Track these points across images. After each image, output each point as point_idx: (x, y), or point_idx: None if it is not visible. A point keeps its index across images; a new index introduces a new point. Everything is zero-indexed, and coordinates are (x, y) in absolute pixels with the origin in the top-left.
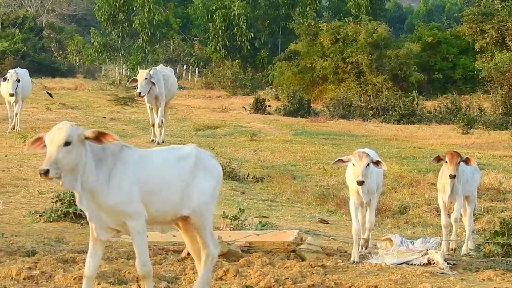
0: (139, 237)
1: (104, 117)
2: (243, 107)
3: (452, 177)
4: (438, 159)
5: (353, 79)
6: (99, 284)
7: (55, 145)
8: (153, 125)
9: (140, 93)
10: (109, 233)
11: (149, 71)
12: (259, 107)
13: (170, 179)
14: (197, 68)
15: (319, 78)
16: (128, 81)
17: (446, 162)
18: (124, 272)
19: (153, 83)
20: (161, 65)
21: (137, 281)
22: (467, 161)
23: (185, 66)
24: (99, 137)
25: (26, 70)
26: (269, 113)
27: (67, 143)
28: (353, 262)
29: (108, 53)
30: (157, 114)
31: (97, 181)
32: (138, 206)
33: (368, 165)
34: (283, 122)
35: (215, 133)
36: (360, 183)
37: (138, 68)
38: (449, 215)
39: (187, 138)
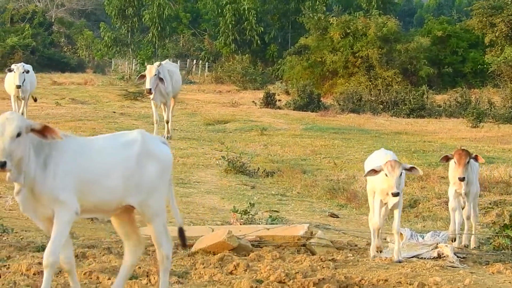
0: (62, 227)
1: (114, 112)
2: (253, 101)
3: (462, 179)
4: (447, 158)
5: (363, 73)
6: (109, 279)
7: (8, 136)
8: (157, 121)
9: (150, 89)
10: (47, 224)
11: (158, 66)
12: (269, 101)
13: (111, 166)
14: (207, 63)
15: (329, 72)
16: (137, 76)
17: (455, 163)
18: (135, 267)
19: (161, 79)
20: (166, 60)
21: (147, 276)
22: (476, 158)
23: (195, 60)
24: (44, 131)
25: (30, 66)
26: (279, 108)
27: (18, 134)
28: (373, 257)
29: (118, 48)
30: (165, 111)
31: (36, 170)
32: (70, 196)
33: (401, 174)
34: (293, 117)
35: (225, 128)
36: (396, 194)
37: (146, 64)
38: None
39: (197, 133)
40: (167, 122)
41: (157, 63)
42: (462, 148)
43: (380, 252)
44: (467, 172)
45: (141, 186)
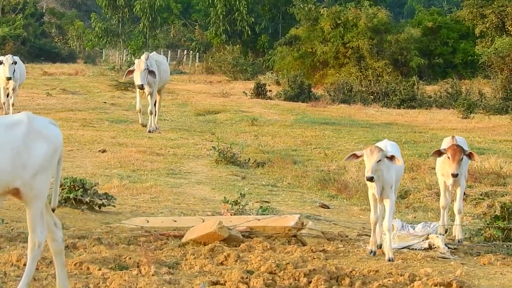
0: None
1: (105, 102)
2: (243, 92)
3: (455, 175)
4: (439, 153)
5: (354, 64)
6: (99, 269)
7: None
8: (140, 111)
9: (142, 85)
10: None
11: (146, 60)
12: (259, 92)
13: None
14: (197, 53)
15: (320, 63)
16: (125, 73)
17: (449, 158)
18: (125, 258)
19: (151, 72)
20: (154, 52)
21: (137, 267)
22: (470, 156)
23: (185, 51)
24: None
25: (18, 57)
26: (270, 98)
27: None
28: (370, 252)
29: (109, 39)
30: (150, 101)
31: None
32: None
33: (379, 160)
34: (284, 107)
35: (215, 118)
36: (369, 179)
37: (136, 54)
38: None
39: (188, 123)
40: (151, 113)
41: (144, 55)
42: (457, 144)
43: (379, 247)
44: (460, 168)
45: (27, 167)
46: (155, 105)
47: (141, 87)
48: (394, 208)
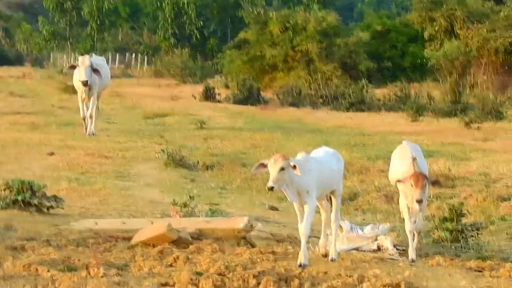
0: None
1: (53, 105)
2: (192, 95)
3: (420, 201)
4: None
5: (303, 67)
6: (48, 271)
7: None
8: (84, 118)
9: (86, 81)
10: None
11: (90, 57)
12: (208, 95)
13: None
14: (146, 57)
15: (269, 67)
16: (68, 67)
17: (412, 185)
18: (74, 259)
19: (95, 70)
20: (93, 54)
21: (86, 268)
22: (436, 183)
23: (134, 54)
24: None
25: None
26: (219, 101)
27: None
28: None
29: (56, 42)
30: (89, 105)
31: None
32: None
33: (283, 169)
34: (233, 110)
35: (164, 121)
36: (269, 188)
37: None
38: None
39: (136, 126)
40: (91, 117)
41: (88, 55)
42: (419, 171)
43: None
44: (424, 194)
45: None
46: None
47: (85, 84)
48: (313, 212)
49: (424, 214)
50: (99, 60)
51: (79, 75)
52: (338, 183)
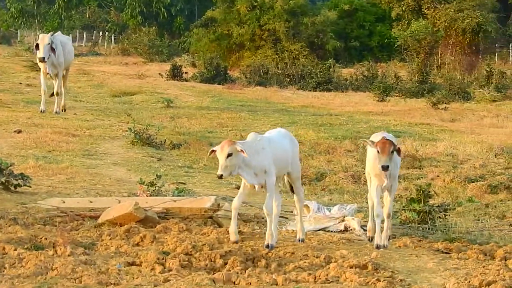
0: None
1: (20, 83)
2: (159, 73)
3: (386, 168)
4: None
5: (270, 46)
6: (15, 249)
7: None
8: (45, 92)
9: (43, 58)
10: None
11: (50, 35)
12: (175, 74)
13: None
14: (113, 35)
15: (236, 45)
16: (34, 48)
17: (378, 152)
18: (41, 238)
19: (53, 49)
20: (59, 32)
21: (53, 247)
22: (398, 151)
23: (101, 32)
24: None
25: None
26: (186, 80)
27: None
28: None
29: (24, 19)
30: (56, 82)
31: None
32: None
33: (230, 155)
34: (200, 89)
35: (131, 100)
36: (219, 177)
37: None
38: None
39: (103, 104)
40: (57, 95)
41: (50, 33)
42: (386, 138)
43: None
44: (391, 163)
45: None
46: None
47: (42, 60)
48: (274, 191)
49: (392, 198)
50: (63, 38)
51: (38, 53)
52: (293, 165)
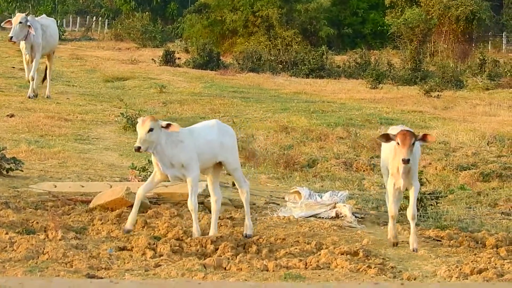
0: None
1: (13, 67)
2: (152, 59)
3: (406, 161)
4: (387, 137)
5: (263, 32)
6: (7, 233)
7: None
8: (33, 79)
9: (11, 37)
10: None
11: (26, 15)
12: (168, 59)
13: None
14: (106, 20)
15: (229, 31)
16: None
17: (398, 144)
18: (32, 222)
19: (29, 27)
20: (43, 15)
21: (45, 231)
22: (424, 138)
23: (94, 17)
24: None
25: None
26: (179, 66)
27: None
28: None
29: (18, 4)
30: (32, 66)
31: None
32: None
33: (151, 130)
34: (193, 75)
35: (124, 85)
36: (137, 149)
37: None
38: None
39: (96, 89)
40: (32, 79)
41: (30, 15)
42: (406, 129)
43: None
44: (412, 156)
45: None
46: (46, 71)
47: (10, 40)
48: (197, 186)
49: (415, 196)
50: (47, 21)
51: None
52: (225, 156)
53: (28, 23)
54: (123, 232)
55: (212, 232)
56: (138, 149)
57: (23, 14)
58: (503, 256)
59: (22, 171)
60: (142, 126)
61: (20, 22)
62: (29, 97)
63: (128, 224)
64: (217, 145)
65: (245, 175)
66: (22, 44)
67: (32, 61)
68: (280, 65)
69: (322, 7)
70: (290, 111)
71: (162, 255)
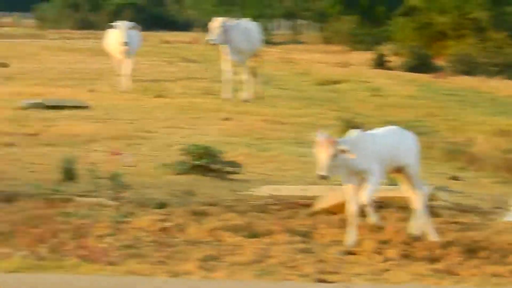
0: None
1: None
2: (364, 62)
3: None
4: None
5: (473, 35)
6: (232, 237)
7: None
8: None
9: (210, 40)
10: None
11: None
12: (379, 62)
13: None
14: (314, 23)
15: (438, 34)
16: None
17: None
18: (256, 225)
19: (227, 31)
20: (247, 20)
21: (269, 235)
22: None
23: (302, 20)
24: None
25: (134, 23)
26: (390, 69)
27: None
28: None
29: (225, 7)
30: (243, 71)
31: None
32: None
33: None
34: (405, 78)
35: (337, 88)
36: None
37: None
38: None
39: (309, 92)
40: (248, 82)
41: (226, 18)
42: None
43: None
44: None
45: None
46: (251, 74)
47: (209, 42)
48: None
49: None
50: (248, 24)
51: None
52: (406, 161)
53: (227, 28)
54: (346, 247)
55: (431, 236)
56: (323, 177)
57: (223, 18)
58: None
59: (242, 174)
60: (325, 151)
61: (220, 26)
62: (244, 101)
63: (349, 241)
64: (398, 149)
65: (465, 179)
66: (224, 47)
67: (234, 65)
68: (496, 68)
69: None
70: (508, 114)
71: (390, 260)
